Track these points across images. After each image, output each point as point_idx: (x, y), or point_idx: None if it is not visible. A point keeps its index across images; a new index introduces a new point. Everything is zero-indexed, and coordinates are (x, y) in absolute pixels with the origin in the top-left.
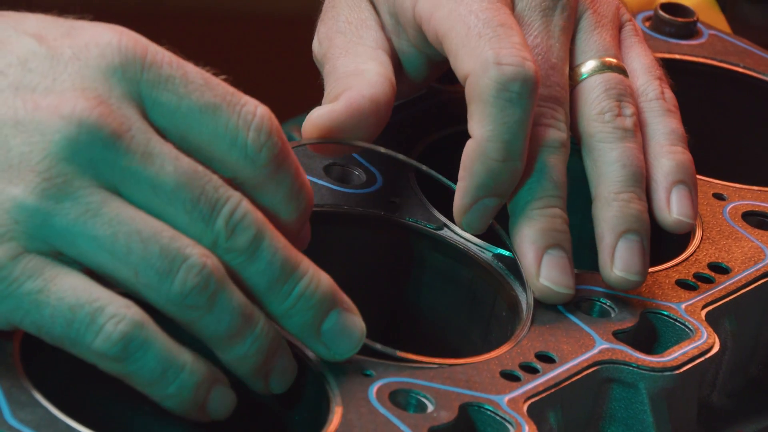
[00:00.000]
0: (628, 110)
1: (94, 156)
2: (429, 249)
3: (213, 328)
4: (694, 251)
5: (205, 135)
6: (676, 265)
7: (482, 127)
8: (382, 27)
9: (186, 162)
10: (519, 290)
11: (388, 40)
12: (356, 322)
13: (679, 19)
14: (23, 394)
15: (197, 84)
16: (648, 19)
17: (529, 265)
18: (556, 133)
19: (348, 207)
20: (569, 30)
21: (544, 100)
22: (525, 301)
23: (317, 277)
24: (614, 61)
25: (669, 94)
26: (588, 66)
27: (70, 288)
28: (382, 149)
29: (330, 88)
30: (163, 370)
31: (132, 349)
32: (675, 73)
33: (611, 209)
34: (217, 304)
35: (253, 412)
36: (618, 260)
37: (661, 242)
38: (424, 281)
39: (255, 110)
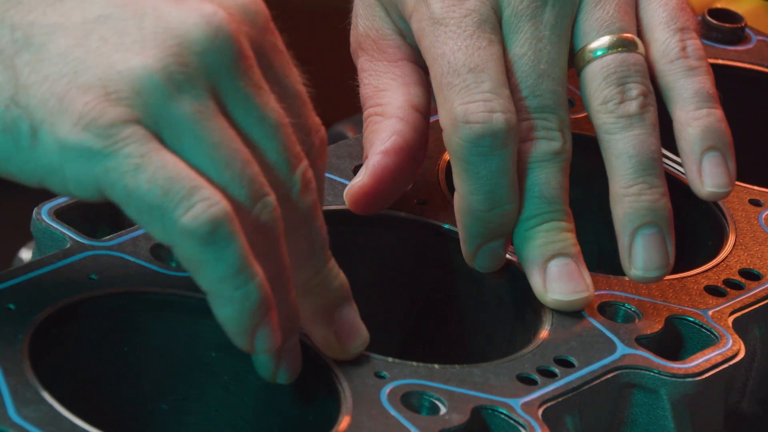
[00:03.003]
0: (634, 91)
1: (221, 65)
2: (455, 251)
3: (270, 265)
4: (726, 257)
5: (291, 120)
6: (706, 271)
7: (463, 182)
8: (400, 31)
9: (282, 111)
10: None
11: (410, 44)
12: (363, 325)
13: (727, 25)
14: (29, 390)
15: (296, 74)
16: None
17: (536, 284)
18: (546, 145)
19: None
20: (566, 22)
21: (532, 111)
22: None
23: (337, 265)
24: (617, 37)
25: (693, 45)
26: (591, 47)
27: (172, 163)
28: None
29: (364, 131)
30: (238, 268)
31: (218, 236)
32: (720, 78)
33: (622, 206)
34: (279, 247)
35: (264, 413)
36: (635, 259)
37: (693, 247)
38: (449, 283)
39: (322, 129)
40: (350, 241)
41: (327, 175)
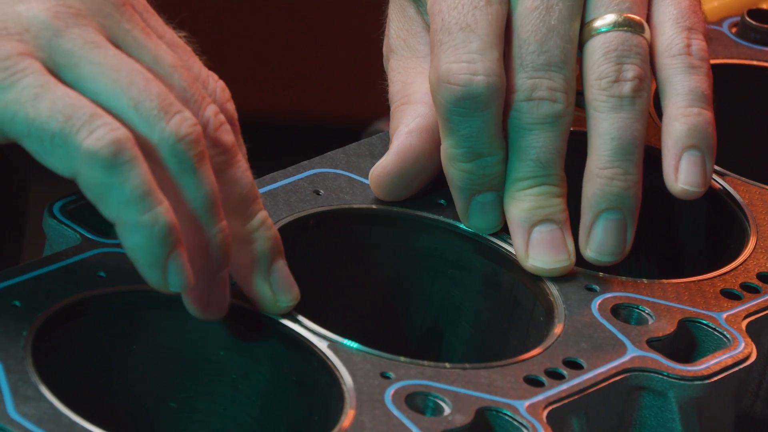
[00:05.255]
0: (630, 73)
1: (103, 9)
2: (471, 252)
3: (191, 191)
4: (745, 260)
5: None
6: (724, 274)
7: (445, 137)
8: (428, 28)
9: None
10: (556, 295)
11: None
12: (295, 282)
13: (765, 26)
14: (29, 387)
15: (173, 32)
16: (734, 25)
17: (518, 247)
18: (549, 108)
19: (393, 207)
20: None
21: (538, 69)
22: (561, 306)
23: (270, 219)
24: (624, 16)
25: (698, 45)
26: (596, 24)
27: (72, 93)
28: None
29: (390, 123)
30: (144, 192)
31: (121, 159)
32: (756, 79)
33: (593, 186)
34: (202, 166)
35: (270, 411)
36: (592, 240)
37: (713, 250)
38: (464, 284)
39: (216, 77)
40: (368, 241)
41: (346, 173)
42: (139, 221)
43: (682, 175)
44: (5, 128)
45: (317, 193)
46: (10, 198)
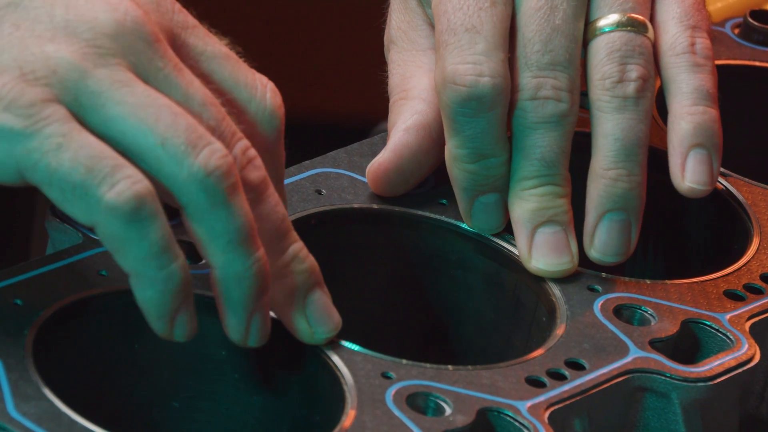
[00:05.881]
0: (634, 73)
1: (135, 46)
2: (473, 252)
3: (224, 224)
4: (748, 261)
5: (228, 81)
6: (727, 275)
7: (450, 137)
8: (430, 22)
9: (209, 92)
10: (558, 295)
11: None
12: (335, 310)
13: None
14: (30, 386)
15: (217, 41)
16: (737, 26)
17: (522, 248)
18: (554, 107)
19: (394, 207)
20: None
21: (543, 68)
22: (563, 306)
23: (305, 249)
24: (628, 16)
25: (702, 44)
26: (600, 23)
27: (95, 143)
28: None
29: (389, 117)
30: (161, 249)
31: (142, 214)
32: (758, 80)
33: (597, 186)
34: (235, 198)
35: (272, 411)
36: (596, 240)
37: (717, 251)
38: (467, 284)
39: (266, 80)
40: (369, 240)
41: (348, 173)
42: (155, 277)
43: (688, 173)
44: (27, 175)
45: (319, 192)
46: (19, 196)
